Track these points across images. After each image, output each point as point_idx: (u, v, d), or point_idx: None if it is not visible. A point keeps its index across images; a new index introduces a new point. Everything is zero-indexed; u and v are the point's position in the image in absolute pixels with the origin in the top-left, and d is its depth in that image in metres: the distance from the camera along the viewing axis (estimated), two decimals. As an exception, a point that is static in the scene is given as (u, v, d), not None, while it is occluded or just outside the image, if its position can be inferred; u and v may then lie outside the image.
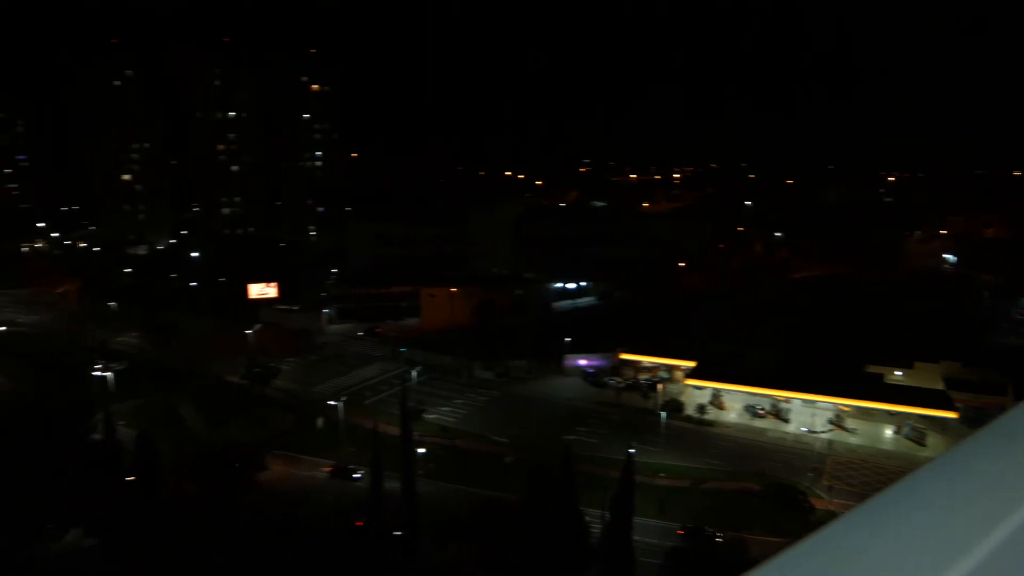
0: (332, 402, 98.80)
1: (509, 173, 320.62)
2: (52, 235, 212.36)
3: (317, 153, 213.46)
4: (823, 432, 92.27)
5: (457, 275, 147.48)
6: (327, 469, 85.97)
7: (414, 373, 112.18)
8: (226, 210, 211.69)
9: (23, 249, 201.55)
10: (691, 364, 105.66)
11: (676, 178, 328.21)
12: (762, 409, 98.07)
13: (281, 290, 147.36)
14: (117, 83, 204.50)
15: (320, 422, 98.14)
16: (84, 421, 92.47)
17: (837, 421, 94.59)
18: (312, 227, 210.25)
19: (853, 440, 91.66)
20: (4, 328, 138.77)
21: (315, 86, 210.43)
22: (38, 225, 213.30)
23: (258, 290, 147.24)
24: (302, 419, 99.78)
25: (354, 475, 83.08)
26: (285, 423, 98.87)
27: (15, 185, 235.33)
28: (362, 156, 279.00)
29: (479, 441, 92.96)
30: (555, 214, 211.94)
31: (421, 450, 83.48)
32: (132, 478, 79.84)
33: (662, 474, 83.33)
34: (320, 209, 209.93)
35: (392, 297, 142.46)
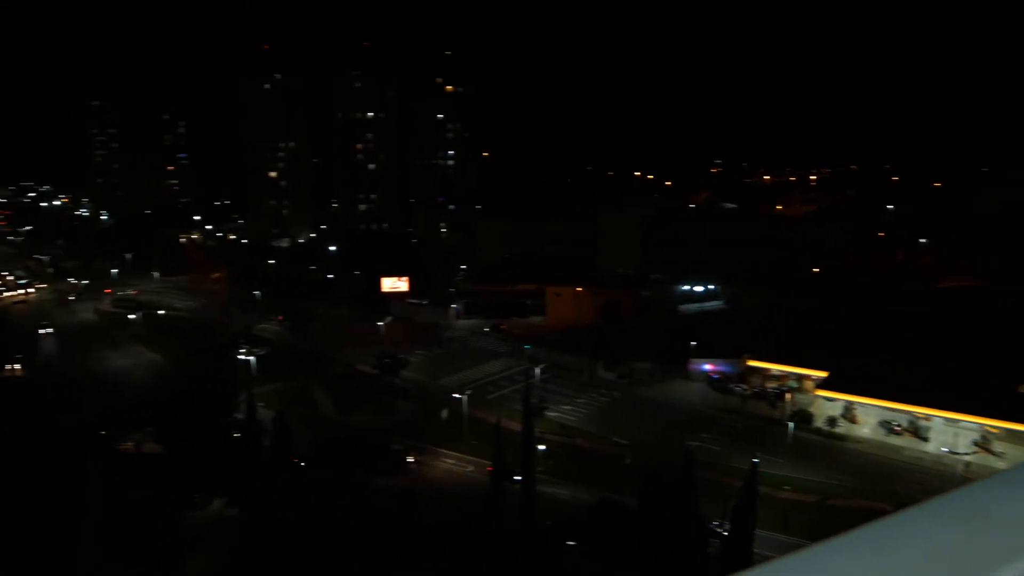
0: (456, 395, 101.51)
1: (638, 173, 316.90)
2: (206, 227, 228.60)
3: (449, 152, 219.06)
4: (966, 454, 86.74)
5: (583, 274, 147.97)
6: (489, 469, 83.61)
7: (537, 370, 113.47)
8: (363, 207, 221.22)
9: (181, 240, 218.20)
10: (822, 374, 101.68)
11: (812, 180, 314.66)
12: (898, 425, 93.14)
13: (412, 285, 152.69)
14: (267, 86, 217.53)
15: (445, 414, 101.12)
16: (229, 401, 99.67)
17: (983, 443, 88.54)
18: (443, 224, 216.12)
19: (1000, 464, 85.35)
20: (163, 312, 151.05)
21: (449, 87, 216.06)
22: (194, 218, 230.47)
23: (390, 284, 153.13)
24: (427, 410, 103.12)
25: (514, 476, 78.48)
26: (411, 413, 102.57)
27: (176, 181, 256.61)
28: (493, 155, 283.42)
29: (599, 441, 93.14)
30: (683, 215, 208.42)
31: (541, 447, 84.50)
32: (270, 455, 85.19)
33: (786, 487, 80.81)
34: (451, 207, 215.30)
35: (518, 294, 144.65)
